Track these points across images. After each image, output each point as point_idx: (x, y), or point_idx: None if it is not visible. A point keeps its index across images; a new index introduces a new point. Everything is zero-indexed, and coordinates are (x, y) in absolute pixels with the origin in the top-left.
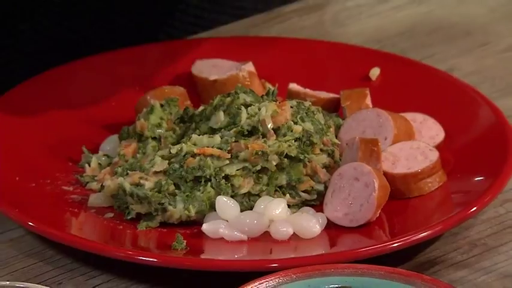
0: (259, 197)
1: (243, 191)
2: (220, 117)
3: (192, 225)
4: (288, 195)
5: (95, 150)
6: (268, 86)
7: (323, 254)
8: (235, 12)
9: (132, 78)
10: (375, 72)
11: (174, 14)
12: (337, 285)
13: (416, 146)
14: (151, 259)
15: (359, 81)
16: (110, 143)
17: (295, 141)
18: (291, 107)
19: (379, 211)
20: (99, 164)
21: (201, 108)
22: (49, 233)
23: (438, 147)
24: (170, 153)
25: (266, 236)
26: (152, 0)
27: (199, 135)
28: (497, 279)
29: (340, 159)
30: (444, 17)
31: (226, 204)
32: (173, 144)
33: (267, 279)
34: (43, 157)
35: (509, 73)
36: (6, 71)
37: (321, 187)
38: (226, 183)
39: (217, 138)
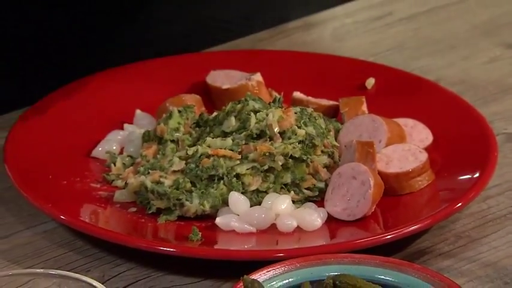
0: (267, 193)
1: (252, 188)
2: (232, 122)
3: (206, 219)
4: (292, 192)
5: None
6: (275, 94)
7: (324, 245)
8: (243, 29)
9: (154, 87)
10: (370, 82)
11: (193, 32)
12: (336, 273)
13: (407, 148)
14: (170, 249)
15: (356, 90)
16: (130, 144)
17: (298, 143)
18: (295, 113)
19: (374, 206)
20: (124, 164)
21: (214, 114)
22: (79, 226)
23: (427, 149)
24: (187, 154)
25: (273, 228)
26: (175, 19)
27: (213, 138)
28: (480, 267)
29: (339, 160)
30: (431, 33)
31: (238, 200)
32: (190, 146)
33: (274, 268)
34: (74, 158)
35: (490, 83)
36: (41, 80)
37: (322, 185)
38: (237, 181)
39: (229, 140)
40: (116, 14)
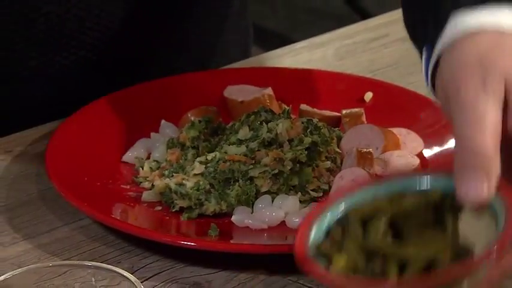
0: (277, 194)
1: (264, 189)
2: (246, 131)
3: (223, 217)
4: (299, 193)
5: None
6: (284, 106)
7: None
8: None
9: (177, 100)
10: (368, 96)
11: (212, 52)
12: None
13: (401, 154)
14: (191, 243)
15: (356, 103)
16: (156, 150)
17: (305, 150)
18: (302, 123)
19: None
20: (150, 168)
21: (230, 124)
22: (110, 222)
23: (419, 155)
24: (206, 159)
25: (282, 225)
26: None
27: (229, 145)
28: None
29: (341, 165)
30: None
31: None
32: (209, 152)
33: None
34: (106, 162)
35: None
36: (80, 94)
37: (325, 187)
38: (250, 184)
39: (243, 147)
40: (146, 40)
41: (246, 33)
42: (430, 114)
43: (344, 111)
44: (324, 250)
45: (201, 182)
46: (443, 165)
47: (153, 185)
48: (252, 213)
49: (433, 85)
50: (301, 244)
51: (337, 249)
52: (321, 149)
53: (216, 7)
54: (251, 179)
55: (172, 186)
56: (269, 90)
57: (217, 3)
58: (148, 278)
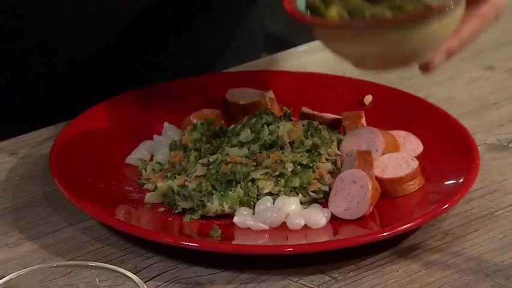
0: (278, 196)
1: (265, 191)
2: (248, 133)
3: (225, 218)
4: (300, 194)
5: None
6: (285, 109)
7: (328, 241)
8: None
9: (180, 103)
10: (368, 99)
11: (215, 55)
12: None
13: (400, 156)
14: (193, 244)
15: (356, 106)
16: (159, 152)
17: (306, 152)
18: (303, 126)
19: (372, 207)
20: (153, 169)
21: (232, 126)
22: (114, 223)
23: (418, 157)
24: (208, 161)
25: (283, 226)
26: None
27: (231, 147)
28: (464, 261)
29: (341, 167)
30: None
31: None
32: (211, 154)
33: None
34: (110, 164)
35: (472, 99)
36: (82, 97)
37: (326, 188)
38: (252, 185)
39: (245, 149)
40: (151, 42)
41: (258, 42)
42: (428, 117)
43: (344, 114)
44: (313, 5)
45: (203, 184)
46: (442, 167)
47: (156, 187)
48: (253, 214)
49: None
50: (290, 2)
51: (325, 5)
52: (322, 151)
53: (231, 14)
54: (252, 180)
55: (175, 187)
56: (270, 93)
57: (231, 10)
58: (152, 278)
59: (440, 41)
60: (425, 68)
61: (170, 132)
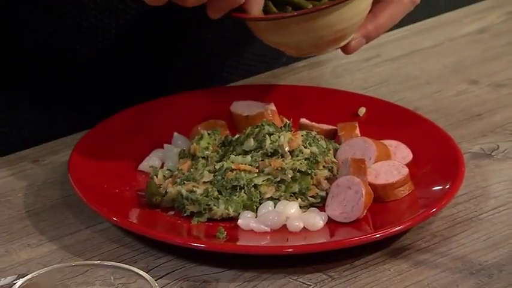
0: (279, 200)
1: (267, 196)
2: (251, 143)
3: (230, 221)
4: (299, 199)
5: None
6: (285, 120)
7: (325, 242)
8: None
9: (188, 114)
10: (362, 111)
11: (220, 70)
12: None
13: (392, 164)
14: (201, 245)
15: (351, 117)
16: (169, 160)
17: (304, 160)
18: (302, 136)
19: (366, 211)
20: (164, 176)
21: (237, 136)
22: (128, 225)
23: (408, 165)
24: (215, 168)
25: (284, 228)
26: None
27: (235, 155)
28: (450, 261)
29: (338, 173)
30: (411, 71)
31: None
32: (217, 162)
33: None
34: (124, 171)
35: (458, 111)
36: (98, 109)
37: (323, 193)
38: (255, 190)
39: (248, 157)
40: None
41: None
42: (417, 128)
43: (340, 125)
44: None
45: (210, 189)
46: (430, 174)
47: (166, 192)
48: (256, 217)
49: None
50: None
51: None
52: (319, 159)
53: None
54: (255, 186)
55: (184, 192)
56: (272, 106)
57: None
58: (162, 277)
59: (350, 20)
60: (346, 50)
61: (179, 141)
